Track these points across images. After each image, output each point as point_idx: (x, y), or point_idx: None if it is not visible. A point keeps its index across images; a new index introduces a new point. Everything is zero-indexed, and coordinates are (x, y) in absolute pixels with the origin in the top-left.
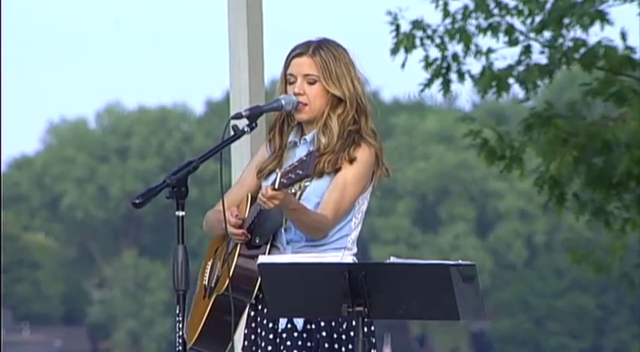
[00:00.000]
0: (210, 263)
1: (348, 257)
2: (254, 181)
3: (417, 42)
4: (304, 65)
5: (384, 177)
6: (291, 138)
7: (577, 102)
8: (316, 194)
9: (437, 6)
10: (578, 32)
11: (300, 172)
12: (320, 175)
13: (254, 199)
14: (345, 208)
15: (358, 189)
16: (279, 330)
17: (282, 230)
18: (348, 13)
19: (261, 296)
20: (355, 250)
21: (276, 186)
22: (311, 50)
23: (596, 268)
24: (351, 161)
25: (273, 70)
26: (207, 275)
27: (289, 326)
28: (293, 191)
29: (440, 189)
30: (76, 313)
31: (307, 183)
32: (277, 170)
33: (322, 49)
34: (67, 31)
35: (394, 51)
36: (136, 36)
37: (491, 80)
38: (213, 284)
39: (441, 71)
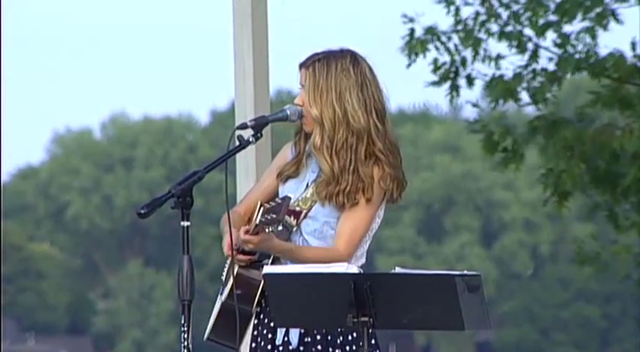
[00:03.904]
0: (228, 263)
1: (353, 267)
2: (273, 183)
3: (430, 47)
4: (302, 76)
5: (394, 192)
6: (309, 147)
7: (586, 105)
8: (324, 213)
9: (448, 11)
10: (588, 39)
11: (274, 216)
12: (342, 207)
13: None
14: (360, 235)
15: (372, 213)
16: (277, 343)
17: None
18: (354, 24)
19: (264, 305)
20: (362, 262)
21: (251, 229)
22: (310, 61)
23: (602, 270)
24: (368, 200)
25: (278, 80)
26: (224, 274)
27: (285, 339)
28: (298, 209)
29: (445, 199)
30: (81, 323)
31: (315, 199)
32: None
33: (320, 61)
34: (71, 41)
35: (409, 55)
36: (141, 46)
37: (503, 90)
38: (224, 285)
39: (449, 75)
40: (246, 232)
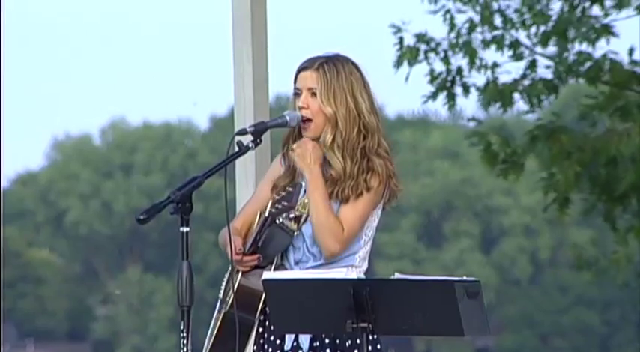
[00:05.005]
0: (227, 275)
1: (352, 273)
2: (268, 195)
3: (421, 55)
4: (308, 79)
5: (397, 192)
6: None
7: (586, 109)
8: None
9: (445, 20)
10: (583, 46)
11: (286, 204)
12: (346, 201)
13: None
14: (360, 224)
15: (373, 203)
16: (285, 349)
17: (291, 249)
18: (353, 29)
19: (268, 312)
20: (365, 267)
21: (266, 215)
22: (316, 64)
23: (599, 275)
24: (369, 189)
25: (277, 85)
26: (223, 288)
27: (295, 344)
28: (298, 214)
29: (444, 205)
30: (80, 329)
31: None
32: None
33: (327, 64)
34: (70, 46)
35: (397, 63)
36: (140, 51)
37: (496, 94)
38: (226, 300)
39: (445, 85)
40: (242, 253)
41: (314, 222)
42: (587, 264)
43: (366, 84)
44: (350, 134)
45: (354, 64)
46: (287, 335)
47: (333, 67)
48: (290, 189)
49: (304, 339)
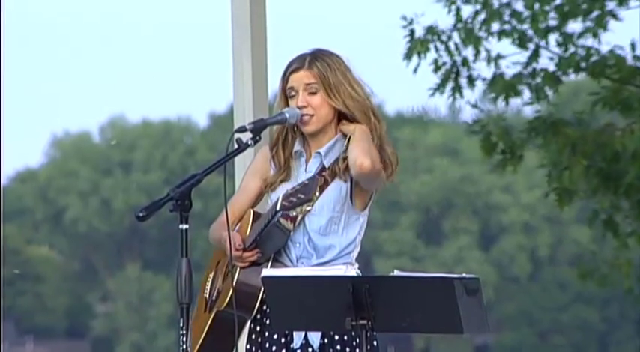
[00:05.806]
0: (212, 275)
1: (351, 270)
2: (257, 188)
3: (431, 47)
4: (303, 77)
5: (390, 181)
6: (297, 147)
7: (584, 112)
8: (330, 208)
9: (449, 11)
10: (589, 41)
11: (302, 196)
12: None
13: (256, 215)
14: (378, 168)
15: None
16: (293, 346)
17: (291, 245)
18: (353, 27)
19: (268, 310)
20: (357, 265)
21: (278, 208)
22: (307, 63)
23: (602, 283)
24: (385, 168)
25: (276, 83)
26: (208, 287)
27: (303, 342)
28: (294, 214)
29: (444, 203)
30: (79, 326)
31: (310, 204)
32: (282, 185)
33: (317, 60)
34: (70, 44)
35: (408, 56)
36: (139, 49)
37: (504, 88)
38: (214, 298)
39: (450, 75)
40: (243, 249)
41: (359, 142)
42: (588, 273)
43: (354, 73)
44: (368, 123)
45: (337, 56)
46: (295, 333)
47: (324, 63)
48: (306, 182)
49: (314, 336)
